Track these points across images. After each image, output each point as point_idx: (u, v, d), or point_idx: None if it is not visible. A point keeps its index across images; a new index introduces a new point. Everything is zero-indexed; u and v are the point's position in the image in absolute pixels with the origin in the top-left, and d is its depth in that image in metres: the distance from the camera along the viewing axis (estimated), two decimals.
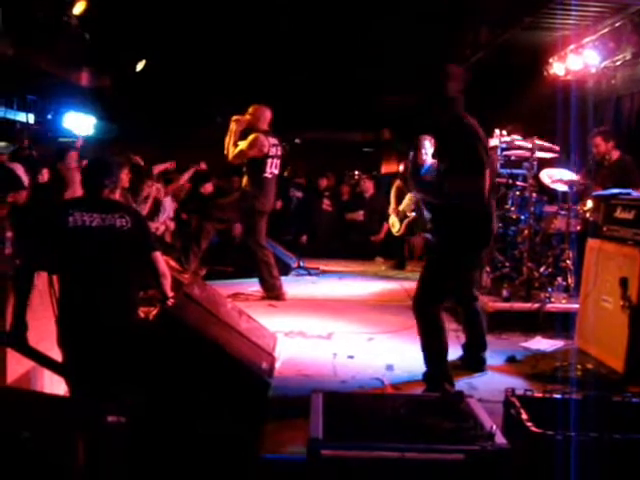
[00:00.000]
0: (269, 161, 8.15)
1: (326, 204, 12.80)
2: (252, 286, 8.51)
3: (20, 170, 6.93)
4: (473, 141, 5.02)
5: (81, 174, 4.91)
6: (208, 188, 11.35)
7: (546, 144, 7.57)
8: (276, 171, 8.33)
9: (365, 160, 16.68)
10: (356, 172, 13.46)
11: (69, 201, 5.45)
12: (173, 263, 7.81)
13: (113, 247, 4.40)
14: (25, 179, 6.82)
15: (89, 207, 4.39)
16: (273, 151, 8.18)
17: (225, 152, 8.29)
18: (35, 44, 8.88)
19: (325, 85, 13.31)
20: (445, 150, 5.23)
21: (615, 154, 8.04)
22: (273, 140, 8.21)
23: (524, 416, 3.49)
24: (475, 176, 4.95)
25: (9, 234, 5.20)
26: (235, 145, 8.16)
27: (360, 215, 12.50)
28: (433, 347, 5.16)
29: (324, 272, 10.36)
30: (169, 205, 9.98)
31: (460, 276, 5.37)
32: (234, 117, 8.23)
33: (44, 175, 7.62)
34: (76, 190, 6.79)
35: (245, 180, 8.36)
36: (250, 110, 8.24)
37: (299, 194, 12.80)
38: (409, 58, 11.41)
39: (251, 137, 8.09)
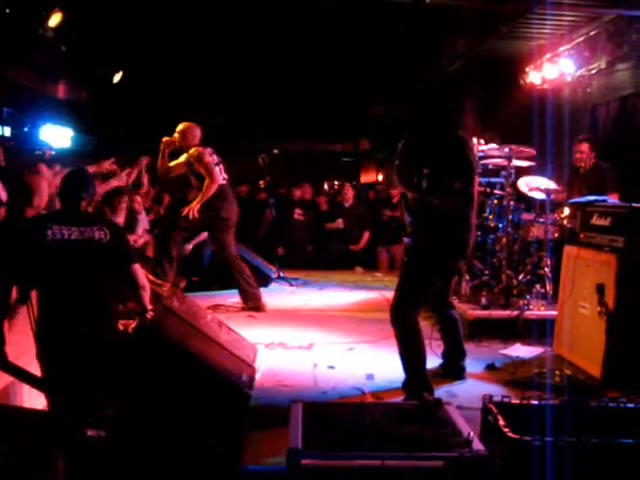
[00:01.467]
0: (217, 169, 8.09)
1: (298, 213, 12.76)
2: (232, 297, 8.50)
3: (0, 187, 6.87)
4: (467, 151, 5.20)
5: (58, 187, 4.89)
6: (165, 200, 11.32)
7: (523, 148, 7.62)
8: (227, 176, 8.25)
9: (344, 170, 16.70)
10: (336, 182, 13.48)
11: (46, 214, 5.42)
12: (151, 276, 7.79)
13: (92, 260, 4.37)
14: (3, 196, 6.76)
15: (67, 220, 4.37)
16: (215, 159, 8.12)
17: (159, 173, 8.28)
18: (11, 57, 8.85)
19: (304, 96, 13.34)
20: (440, 158, 5.27)
21: (591, 161, 8.12)
22: (208, 149, 8.12)
23: (501, 422, 3.52)
24: (467, 183, 5.12)
25: None
26: (167, 167, 8.18)
27: (340, 224, 12.51)
28: (411, 354, 5.19)
29: (304, 283, 10.35)
30: (144, 217, 9.94)
31: (437, 284, 5.40)
32: (163, 139, 8.13)
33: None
34: (42, 200, 6.75)
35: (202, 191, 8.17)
36: (178, 128, 8.13)
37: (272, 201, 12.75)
38: (388, 69, 11.49)
39: (193, 152, 8.00)
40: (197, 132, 8.14)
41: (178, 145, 8.11)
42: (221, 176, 8.12)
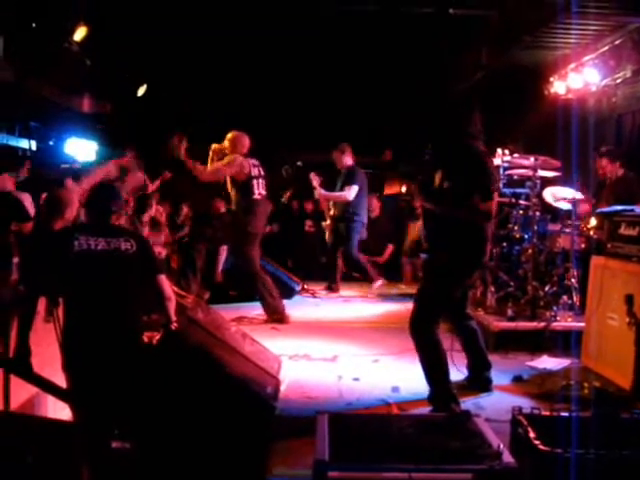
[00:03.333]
0: (254, 182, 8.11)
1: (308, 225, 12.71)
2: (256, 309, 8.47)
3: (27, 201, 6.90)
4: (485, 160, 5.25)
5: (86, 199, 4.89)
6: (184, 211, 11.30)
7: (548, 159, 7.57)
8: (264, 192, 8.26)
9: (368, 182, 16.63)
10: None
11: (74, 226, 5.41)
12: (175, 288, 7.78)
13: (118, 271, 4.37)
14: (31, 210, 6.80)
15: (94, 231, 4.37)
16: (255, 172, 8.15)
17: (196, 171, 8.16)
18: (36, 71, 8.91)
19: (326, 107, 13.33)
20: (457, 170, 5.28)
21: (619, 172, 8.06)
22: (253, 161, 8.18)
23: (532, 434, 3.47)
24: (488, 195, 5.13)
25: (15, 260, 5.19)
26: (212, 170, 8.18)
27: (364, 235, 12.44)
28: (432, 365, 5.19)
29: (328, 295, 10.29)
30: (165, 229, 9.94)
31: (456, 295, 5.37)
32: (213, 145, 8.20)
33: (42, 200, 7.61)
34: (73, 213, 6.78)
35: (234, 203, 8.29)
36: (228, 136, 8.21)
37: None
38: (411, 80, 11.46)
39: (229, 157, 8.07)
40: (246, 141, 8.19)
41: (228, 152, 8.14)
42: (257, 191, 8.12)
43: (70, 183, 7.61)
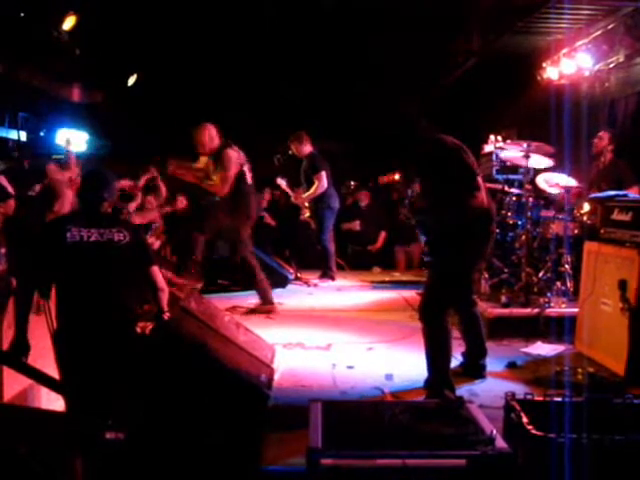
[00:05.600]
0: (245, 169, 8.04)
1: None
2: (249, 299, 8.46)
3: (3, 180, 6.83)
4: (460, 155, 5.13)
5: (78, 188, 4.86)
6: (182, 202, 11.25)
7: (542, 145, 7.55)
8: (250, 176, 8.14)
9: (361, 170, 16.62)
10: (352, 182, 13.39)
11: (66, 216, 5.36)
12: (174, 278, 7.78)
13: (111, 262, 4.36)
14: (9, 188, 6.72)
15: (86, 222, 4.35)
16: (242, 159, 8.05)
17: (212, 189, 8.07)
18: (26, 61, 8.85)
19: (318, 96, 13.31)
20: (433, 170, 5.28)
21: (609, 156, 8.07)
22: (234, 148, 8.02)
23: (524, 419, 3.46)
24: (470, 184, 5.05)
25: (2, 250, 5.15)
26: (209, 178, 8.02)
27: (356, 225, 12.45)
28: (437, 353, 5.17)
29: (322, 281, 10.28)
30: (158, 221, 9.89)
31: (465, 282, 5.37)
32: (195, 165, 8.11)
33: (35, 190, 7.54)
34: (63, 206, 6.73)
35: (229, 193, 8.04)
36: (199, 137, 7.96)
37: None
38: (402, 67, 11.42)
39: (222, 158, 7.89)
40: (212, 131, 7.99)
41: (204, 152, 8.01)
42: (249, 177, 8.08)
43: (53, 169, 7.55)
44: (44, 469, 3.28)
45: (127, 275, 4.45)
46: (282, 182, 10.27)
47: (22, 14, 7.70)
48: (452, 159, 5.12)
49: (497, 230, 7.88)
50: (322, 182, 9.79)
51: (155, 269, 4.60)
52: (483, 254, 5.46)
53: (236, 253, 8.04)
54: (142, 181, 9.13)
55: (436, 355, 5.17)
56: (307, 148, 9.94)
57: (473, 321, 5.72)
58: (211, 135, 7.96)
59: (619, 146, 8.22)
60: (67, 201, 6.79)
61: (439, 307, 5.20)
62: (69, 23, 8.36)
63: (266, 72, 12.25)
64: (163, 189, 9.45)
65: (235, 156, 7.93)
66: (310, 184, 9.89)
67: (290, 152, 10.17)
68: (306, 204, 10.20)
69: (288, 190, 10.28)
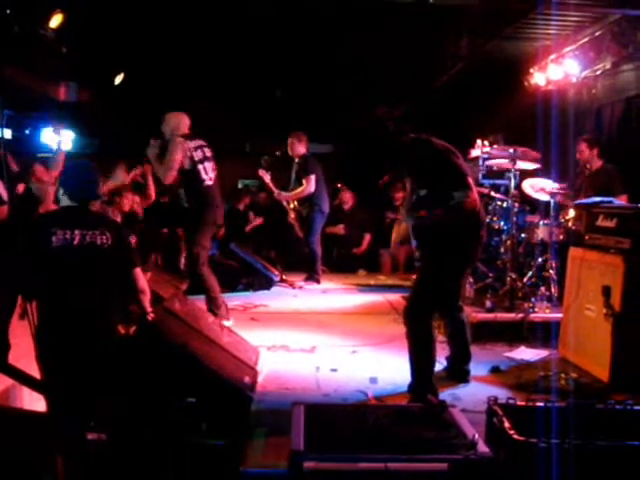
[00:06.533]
0: (200, 167, 7.25)
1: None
2: (234, 300, 8.44)
3: (0, 186, 6.80)
4: (449, 156, 5.18)
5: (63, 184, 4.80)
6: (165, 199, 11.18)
7: (528, 150, 7.58)
8: (213, 175, 7.39)
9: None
10: (339, 184, 13.36)
11: (49, 216, 5.23)
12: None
13: (94, 265, 4.34)
14: (4, 195, 6.69)
15: (71, 223, 4.31)
16: (199, 155, 7.26)
17: (161, 177, 7.31)
18: (11, 58, 8.79)
19: (305, 98, 13.31)
20: (426, 175, 5.31)
21: (598, 162, 8.14)
22: (195, 142, 7.29)
23: (506, 424, 3.47)
24: (461, 184, 5.09)
25: None
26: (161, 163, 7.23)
27: (340, 229, 12.39)
28: (421, 357, 5.18)
29: (303, 286, 10.25)
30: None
31: (452, 286, 5.38)
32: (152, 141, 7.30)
33: (19, 189, 7.49)
34: (49, 205, 6.70)
35: (184, 193, 7.45)
36: (164, 119, 7.39)
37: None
38: (391, 72, 11.43)
39: (170, 142, 7.20)
40: (185, 119, 7.45)
41: (168, 137, 7.29)
42: (207, 176, 7.34)
43: (39, 170, 7.51)
44: (25, 470, 3.26)
45: (109, 277, 4.43)
46: (265, 175, 10.17)
47: (8, 11, 7.65)
48: (441, 160, 5.18)
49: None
50: (310, 185, 9.76)
51: (137, 272, 4.58)
52: (472, 259, 5.48)
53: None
54: (130, 176, 9.11)
55: (420, 359, 5.18)
56: (302, 149, 9.92)
57: (459, 327, 5.72)
58: (177, 124, 7.38)
59: (605, 152, 8.25)
60: (51, 201, 6.76)
61: (424, 311, 5.21)
62: (56, 21, 8.29)
63: (254, 72, 12.23)
64: (152, 187, 9.39)
65: (184, 147, 7.21)
66: (300, 185, 9.87)
67: (277, 153, 10.15)
68: (291, 205, 10.18)
69: (271, 185, 10.22)
